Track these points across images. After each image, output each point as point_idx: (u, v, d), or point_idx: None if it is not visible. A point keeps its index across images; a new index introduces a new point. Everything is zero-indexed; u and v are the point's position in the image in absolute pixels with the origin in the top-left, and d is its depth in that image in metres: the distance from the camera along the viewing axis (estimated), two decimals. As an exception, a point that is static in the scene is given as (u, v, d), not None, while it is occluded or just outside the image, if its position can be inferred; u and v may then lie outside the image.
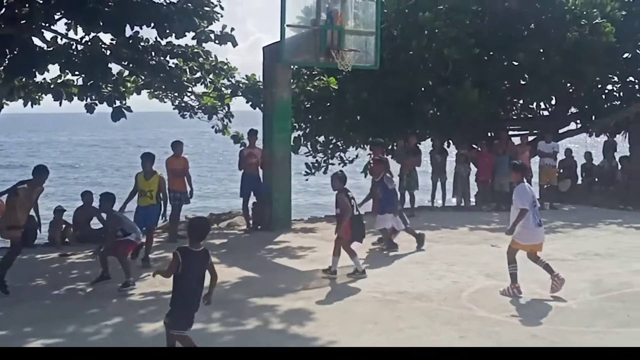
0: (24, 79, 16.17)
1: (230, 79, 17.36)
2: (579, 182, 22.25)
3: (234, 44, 15.90)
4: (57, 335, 9.04)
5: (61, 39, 15.08)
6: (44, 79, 16.69)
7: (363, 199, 14.11)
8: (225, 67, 17.23)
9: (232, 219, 18.66)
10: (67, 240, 15.82)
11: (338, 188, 11.87)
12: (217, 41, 15.74)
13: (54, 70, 15.22)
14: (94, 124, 78.57)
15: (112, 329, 9.35)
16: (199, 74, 17.05)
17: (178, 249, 7.41)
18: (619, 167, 21.40)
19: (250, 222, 17.32)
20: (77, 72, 15.24)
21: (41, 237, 16.24)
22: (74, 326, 9.44)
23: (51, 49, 14.53)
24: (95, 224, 16.19)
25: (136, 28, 14.56)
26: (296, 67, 19.49)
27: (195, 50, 16.38)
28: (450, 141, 22.76)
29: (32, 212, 12.24)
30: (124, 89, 16.86)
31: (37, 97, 17.22)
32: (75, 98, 16.67)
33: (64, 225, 16.02)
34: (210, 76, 17.19)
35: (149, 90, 17.70)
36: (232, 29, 15.69)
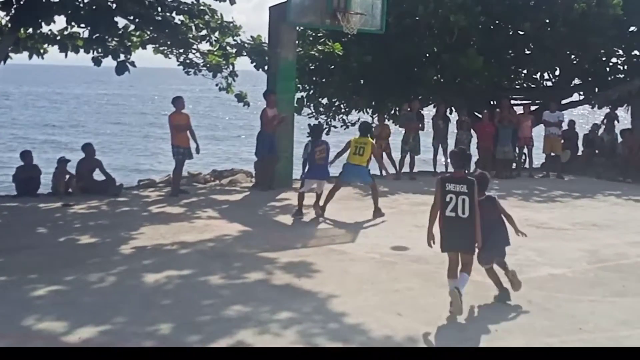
0: (29, 30, 16.18)
1: (235, 38, 17.39)
2: (579, 153, 22.30)
3: (232, 2, 16.15)
4: (60, 282, 9.16)
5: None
6: (50, 30, 16.71)
7: None
8: (231, 25, 17.24)
9: (234, 176, 18.72)
10: (70, 190, 15.91)
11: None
12: None
13: (60, 22, 15.24)
14: (98, 76, 78.16)
15: (115, 277, 9.48)
16: (204, 32, 17.10)
17: None
18: (619, 139, 21.44)
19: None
20: (82, 25, 15.27)
21: (44, 185, 16.43)
22: (77, 274, 9.55)
23: (57, 0, 14.52)
24: (98, 175, 16.42)
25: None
26: (302, 28, 19.46)
27: (202, 7, 16.42)
28: (452, 108, 22.78)
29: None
30: (129, 44, 16.86)
31: (41, 49, 17.22)
32: (82, 51, 16.68)
33: (67, 176, 16.11)
34: (216, 34, 17.23)
35: (154, 46, 17.73)
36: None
